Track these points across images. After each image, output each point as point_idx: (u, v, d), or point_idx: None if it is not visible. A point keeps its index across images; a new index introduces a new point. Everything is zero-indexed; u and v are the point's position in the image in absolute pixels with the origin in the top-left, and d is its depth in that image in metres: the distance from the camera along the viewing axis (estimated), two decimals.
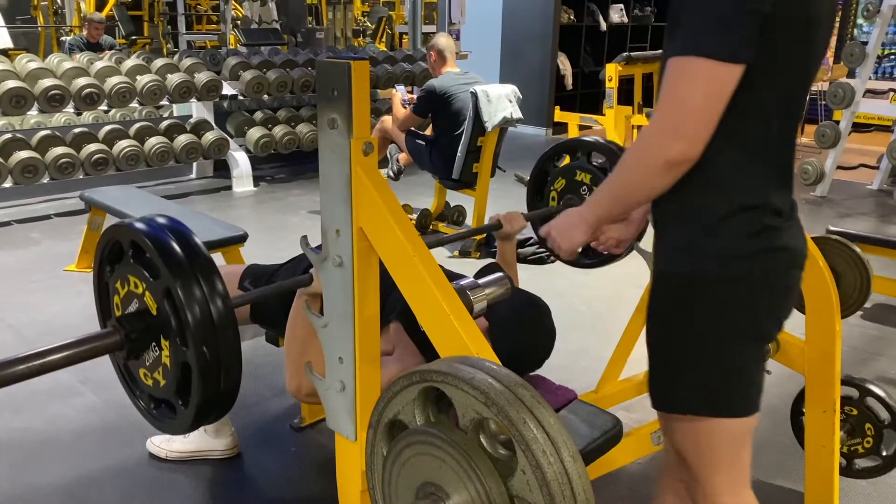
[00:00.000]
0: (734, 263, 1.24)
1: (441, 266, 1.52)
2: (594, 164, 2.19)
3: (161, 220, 1.24)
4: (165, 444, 2.34)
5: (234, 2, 9.03)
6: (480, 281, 1.49)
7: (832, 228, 3.03)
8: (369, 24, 11.26)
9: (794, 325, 1.98)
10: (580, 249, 1.56)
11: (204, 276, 1.17)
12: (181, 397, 1.22)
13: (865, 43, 5.83)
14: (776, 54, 1.15)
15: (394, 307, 1.76)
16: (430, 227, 4.75)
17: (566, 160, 2.27)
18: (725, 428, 1.33)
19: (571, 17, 8.85)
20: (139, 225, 1.23)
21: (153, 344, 1.23)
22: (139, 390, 1.33)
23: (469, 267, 1.94)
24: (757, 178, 1.23)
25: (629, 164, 1.24)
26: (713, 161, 1.19)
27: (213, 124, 5.91)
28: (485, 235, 4.36)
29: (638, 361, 2.19)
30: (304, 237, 1.36)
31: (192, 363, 1.16)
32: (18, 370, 1.12)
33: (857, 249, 2.38)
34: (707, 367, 1.29)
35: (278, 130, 6.08)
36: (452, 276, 1.74)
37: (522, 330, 1.79)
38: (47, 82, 4.84)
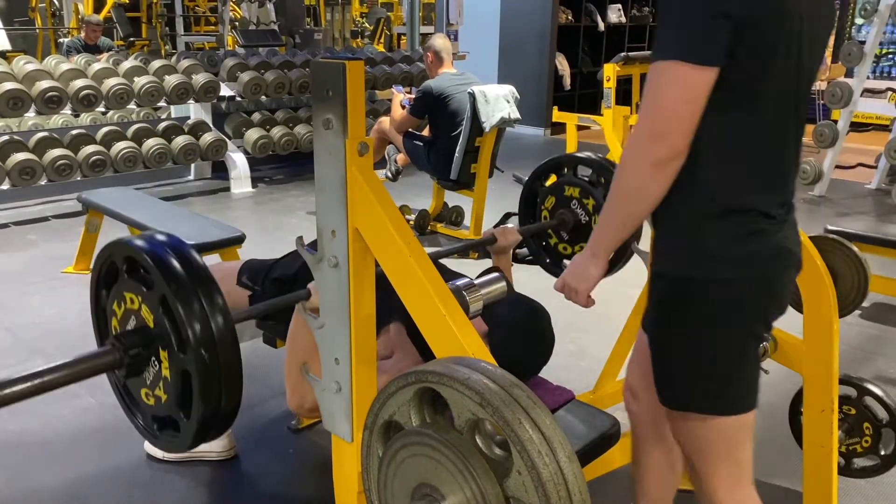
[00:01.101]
0: (723, 265, 1.26)
1: (439, 263, 1.52)
2: (581, 177, 2.22)
3: (153, 235, 1.24)
4: None
5: (231, 3, 9.02)
6: (477, 281, 1.48)
7: (830, 228, 3.03)
8: (367, 25, 11.27)
9: (792, 324, 1.98)
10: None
11: (198, 281, 1.16)
12: (183, 410, 1.21)
13: (863, 42, 5.83)
14: (753, 58, 1.17)
15: (395, 307, 1.76)
16: (429, 227, 4.75)
17: (553, 179, 2.30)
18: (721, 425, 1.36)
19: (569, 18, 8.85)
20: (132, 240, 1.23)
21: (152, 359, 1.22)
22: (140, 412, 1.33)
23: (467, 267, 1.94)
24: (744, 182, 1.26)
25: (622, 177, 1.25)
26: (701, 165, 1.22)
27: (211, 125, 5.91)
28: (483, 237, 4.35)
29: None
30: (300, 237, 1.36)
31: (191, 369, 1.15)
32: (17, 390, 1.13)
33: (855, 248, 2.38)
34: (700, 366, 1.32)
35: (276, 131, 6.08)
36: (450, 275, 1.74)
37: (522, 337, 1.78)
38: (45, 84, 4.83)
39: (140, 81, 5.28)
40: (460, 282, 1.45)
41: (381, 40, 10.57)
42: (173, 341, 1.17)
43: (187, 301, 1.14)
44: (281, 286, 2.02)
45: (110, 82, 5.15)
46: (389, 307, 1.52)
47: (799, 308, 1.88)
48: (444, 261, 1.96)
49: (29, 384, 1.13)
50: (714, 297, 1.28)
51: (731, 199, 1.25)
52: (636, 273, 2.24)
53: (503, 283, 1.52)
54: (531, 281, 2.31)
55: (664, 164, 1.19)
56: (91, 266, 1.36)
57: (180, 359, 1.17)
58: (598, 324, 3.43)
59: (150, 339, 1.21)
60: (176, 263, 1.17)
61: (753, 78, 1.19)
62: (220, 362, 1.15)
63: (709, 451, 1.39)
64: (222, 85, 5.82)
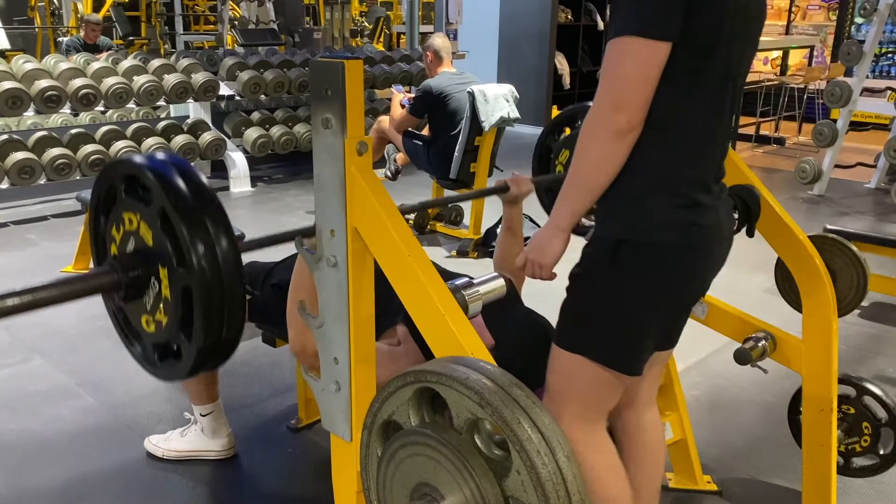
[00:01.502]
0: (660, 231, 1.32)
1: (437, 265, 1.52)
2: None
3: (153, 154, 1.18)
4: (163, 444, 2.34)
5: (231, 2, 9.02)
6: (476, 280, 1.48)
7: (829, 227, 3.03)
8: (367, 25, 11.25)
9: (792, 323, 1.98)
10: None
11: (199, 195, 1.10)
12: (184, 331, 1.14)
13: (862, 41, 5.83)
14: (700, 37, 1.24)
15: (400, 309, 1.75)
16: (428, 226, 4.75)
17: (567, 132, 2.24)
18: (610, 379, 1.42)
19: (569, 17, 8.85)
20: (130, 158, 1.17)
21: (152, 279, 1.15)
22: (139, 341, 1.25)
23: (468, 267, 1.94)
24: (684, 156, 1.33)
25: (584, 148, 1.31)
26: (646, 137, 1.28)
27: (211, 125, 5.90)
28: (482, 236, 4.36)
29: None
30: (300, 237, 1.36)
31: (192, 285, 1.09)
32: (9, 304, 1.07)
33: (854, 248, 2.38)
34: (616, 322, 1.38)
35: (275, 131, 6.08)
36: (448, 276, 1.74)
37: (526, 355, 1.76)
38: (44, 83, 4.83)
39: (139, 80, 5.28)
40: (459, 281, 1.45)
41: (381, 39, 10.57)
42: (173, 257, 1.10)
43: (187, 214, 1.07)
44: (280, 292, 2.01)
45: (109, 81, 5.14)
46: (396, 308, 1.52)
47: (798, 307, 1.89)
48: (444, 262, 1.96)
49: (20, 299, 1.07)
50: (646, 260, 1.34)
51: (672, 171, 1.32)
52: None
53: (502, 283, 1.52)
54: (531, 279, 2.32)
55: (623, 135, 1.26)
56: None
57: (181, 274, 1.10)
58: None
59: (150, 257, 1.14)
60: (175, 176, 1.10)
61: (698, 57, 1.26)
62: (222, 278, 1.09)
63: (583, 397, 1.44)
64: (221, 84, 5.81)
